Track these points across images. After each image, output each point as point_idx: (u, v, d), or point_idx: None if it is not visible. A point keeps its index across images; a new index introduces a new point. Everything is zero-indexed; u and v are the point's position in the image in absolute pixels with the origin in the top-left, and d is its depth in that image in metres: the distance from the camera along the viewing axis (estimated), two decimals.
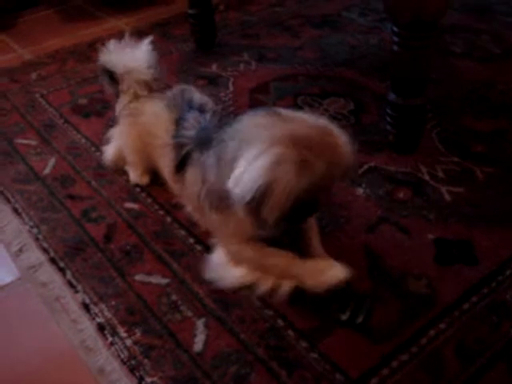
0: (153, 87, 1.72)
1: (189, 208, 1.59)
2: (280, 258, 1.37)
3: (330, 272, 1.32)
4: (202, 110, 1.58)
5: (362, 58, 2.48)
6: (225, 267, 1.41)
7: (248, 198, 1.19)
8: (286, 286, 1.35)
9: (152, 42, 1.73)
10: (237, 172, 1.22)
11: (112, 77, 1.74)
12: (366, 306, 1.35)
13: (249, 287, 1.38)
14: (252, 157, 1.21)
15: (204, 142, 1.44)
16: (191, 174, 1.47)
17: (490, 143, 1.88)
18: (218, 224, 1.42)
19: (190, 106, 1.60)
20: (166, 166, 1.60)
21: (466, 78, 2.27)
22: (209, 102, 1.66)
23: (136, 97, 1.71)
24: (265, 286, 1.36)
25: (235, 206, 1.26)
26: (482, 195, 1.67)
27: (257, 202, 1.19)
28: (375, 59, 2.45)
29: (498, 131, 1.94)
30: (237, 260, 1.40)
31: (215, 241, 1.48)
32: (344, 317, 1.33)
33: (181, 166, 1.50)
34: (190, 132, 1.51)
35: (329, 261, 1.36)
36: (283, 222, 1.28)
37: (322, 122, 1.28)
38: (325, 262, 1.36)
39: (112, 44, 1.72)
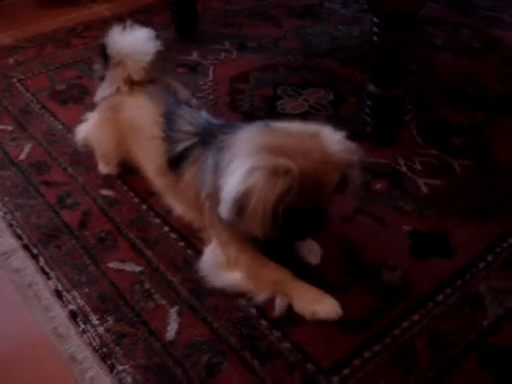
0: (149, 74, 1.67)
1: (178, 208, 1.57)
2: (276, 273, 1.36)
3: (321, 306, 1.30)
4: (190, 105, 1.58)
5: (344, 49, 2.48)
6: (219, 268, 1.39)
7: (229, 211, 1.21)
8: (282, 301, 1.34)
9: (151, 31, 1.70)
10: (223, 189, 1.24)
11: (105, 58, 1.69)
12: None
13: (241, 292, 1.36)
14: (232, 171, 1.23)
15: (206, 139, 1.43)
16: (190, 172, 1.44)
17: (467, 136, 1.89)
18: (216, 225, 1.39)
19: (178, 100, 1.59)
20: (151, 158, 1.58)
21: (446, 70, 2.28)
22: (192, 98, 1.67)
23: (125, 84, 1.66)
24: (262, 296, 1.34)
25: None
26: (459, 188, 1.67)
27: (237, 214, 1.20)
28: (357, 51, 2.45)
29: (475, 125, 1.94)
30: (233, 263, 1.38)
31: (207, 235, 1.47)
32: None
33: (176, 160, 1.48)
34: (187, 127, 1.49)
35: (322, 294, 1.32)
36: (287, 238, 1.33)
37: (312, 128, 1.28)
38: (318, 294, 1.32)
39: (115, 27, 1.67)
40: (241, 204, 1.19)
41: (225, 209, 1.22)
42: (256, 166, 1.18)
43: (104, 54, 1.69)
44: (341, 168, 1.25)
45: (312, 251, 1.44)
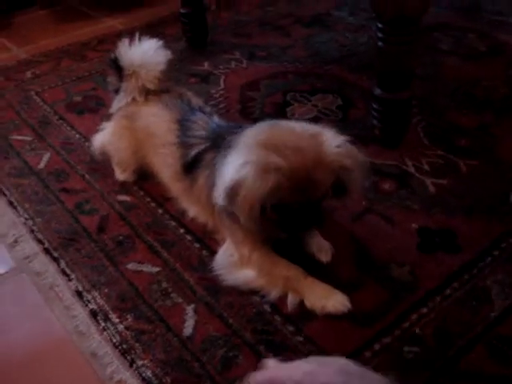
0: (162, 84, 1.74)
1: (192, 211, 1.62)
2: (287, 270, 1.40)
3: (330, 301, 1.34)
4: (203, 112, 1.64)
5: (351, 55, 2.53)
6: (233, 266, 1.44)
7: (222, 198, 1.27)
8: (294, 298, 1.38)
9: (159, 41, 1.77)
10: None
11: (118, 71, 1.76)
12: None
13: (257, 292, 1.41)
14: (230, 162, 1.29)
15: (216, 142, 1.48)
16: (203, 175, 1.50)
17: (473, 137, 1.93)
18: (228, 224, 1.45)
19: (192, 107, 1.65)
20: (167, 164, 1.64)
21: (452, 74, 2.32)
22: (205, 105, 1.73)
23: (140, 94, 1.73)
24: (275, 293, 1.38)
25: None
26: (466, 187, 1.71)
27: (229, 202, 1.27)
28: (364, 57, 2.49)
29: (481, 126, 1.99)
30: (246, 262, 1.43)
31: (221, 237, 1.52)
32: None
33: (190, 165, 1.54)
34: (200, 132, 1.55)
35: (331, 289, 1.37)
36: (284, 231, 1.37)
37: (314, 128, 1.33)
38: (328, 289, 1.37)
39: (125, 40, 1.74)
40: (232, 193, 1.25)
41: (219, 195, 1.29)
42: (249, 160, 1.24)
43: (117, 67, 1.76)
44: (334, 170, 1.29)
45: (322, 249, 1.48)
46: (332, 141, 1.29)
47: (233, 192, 1.25)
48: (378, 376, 0.84)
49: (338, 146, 1.29)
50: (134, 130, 1.72)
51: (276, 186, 1.23)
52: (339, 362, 0.86)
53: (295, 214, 1.30)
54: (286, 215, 1.30)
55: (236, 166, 1.26)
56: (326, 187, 1.30)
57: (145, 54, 1.72)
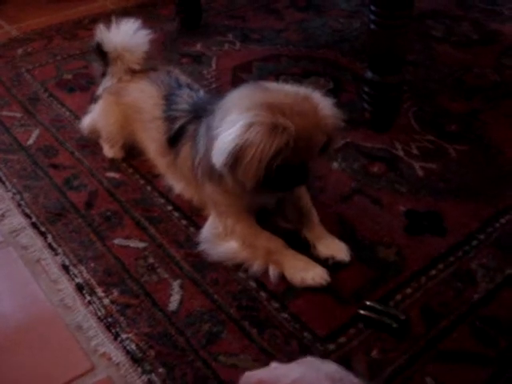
0: (148, 63, 1.75)
1: (178, 187, 1.63)
2: (269, 242, 1.42)
3: (309, 273, 1.35)
4: (191, 88, 1.64)
5: (344, 40, 2.52)
6: (217, 238, 1.45)
7: (224, 160, 1.26)
8: (276, 270, 1.39)
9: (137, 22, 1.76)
10: (217, 139, 1.29)
11: (103, 56, 1.76)
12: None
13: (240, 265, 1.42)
14: (229, 123, 1.28)
15: (198, 113, 1.49)
16: (186, 147, 1.50)
17: (463, 123, 1.94)
18: (212, 195, 1.46)
19: (179, 84, 1.66)
20: (153, 139, 1.64)
21: (444, 61, 2.32)
22: (193, 83, 1.73)
23: (127, 74, 1.73)
24: (257, 266, 1.40)
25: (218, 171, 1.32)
26: (454, 171, 1.72)
27: (232, 164, 1.26)
28: (357, 42, 2.49)
29: (471, 112, 1.99)
30: (229, 233, 1.44)
31: (207, 212, 1.52)
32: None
33: (174, 139, 1.54)
34: (183, 106, 1.56)
35: (311, 262, 1.38)
36: (270, 189, 1.36)
37: (304, 90, 1.35)
38: (308, 262, 1.38)
39: (106, 24, 1.74)
40: (237, 157, 1.25)
41: (219, 159, 1.28)
42: (255, 121, 1.24)
43: (101, 52, 1.76)
44: (328, 131, 1.34)
45: (342, 249, 1.44)
46: (324, 103, 1.34)
47: (238, 155, 1.24)
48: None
49: (330, 109, 1.34)
50: (121, 105, 1.72)
51: (284, 147, 1.24)
52: (328, 369, 0.87)
53: (293, 173, 1.33)
54: (285, 174, 1.31)
55: (240, 127, 1.24)
56: (320, 146, 1.35)
57: (125, 36, 1.73)
